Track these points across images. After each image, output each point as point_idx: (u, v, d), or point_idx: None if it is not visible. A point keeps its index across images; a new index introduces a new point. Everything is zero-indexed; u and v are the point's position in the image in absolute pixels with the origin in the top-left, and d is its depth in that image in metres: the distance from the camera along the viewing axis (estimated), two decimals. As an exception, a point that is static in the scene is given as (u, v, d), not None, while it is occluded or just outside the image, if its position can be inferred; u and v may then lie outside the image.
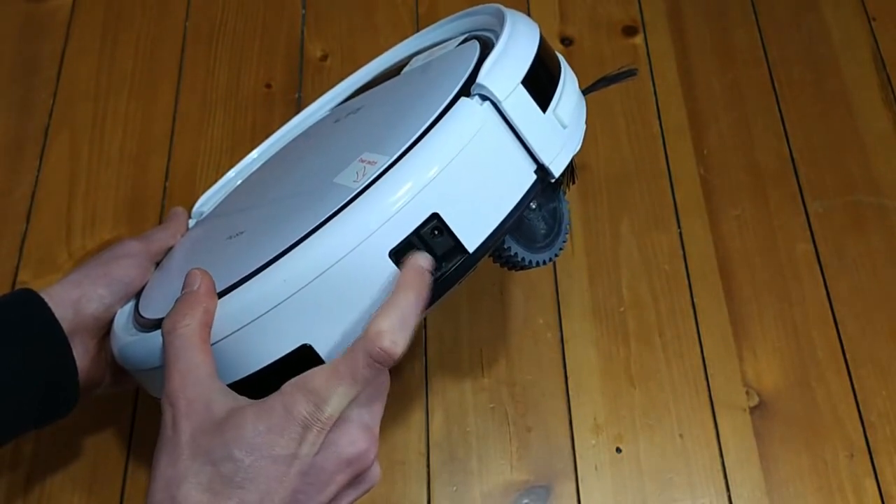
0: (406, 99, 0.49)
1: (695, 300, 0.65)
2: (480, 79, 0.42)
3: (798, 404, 0.61)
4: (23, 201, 0.67)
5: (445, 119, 0.41)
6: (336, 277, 0.39)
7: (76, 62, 0.74)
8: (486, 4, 0.52)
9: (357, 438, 0.38)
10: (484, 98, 0.42)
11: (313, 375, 0.38)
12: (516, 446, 0.59)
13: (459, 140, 0.40)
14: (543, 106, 0.43)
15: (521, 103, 0.42)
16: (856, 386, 0.62)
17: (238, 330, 0.40)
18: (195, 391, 0.39)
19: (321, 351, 0.40)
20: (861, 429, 0.60)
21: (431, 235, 0.40)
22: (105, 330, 0.49)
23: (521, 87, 0.42)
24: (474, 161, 0.40)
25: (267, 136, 0.61)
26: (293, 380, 0.39)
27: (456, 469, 0.58)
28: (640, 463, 0.58)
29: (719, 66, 0.75)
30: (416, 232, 0.39)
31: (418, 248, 0.40)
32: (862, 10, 0.79)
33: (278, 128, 0.62)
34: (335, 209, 0.40)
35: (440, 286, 0.40)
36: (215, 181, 0.60)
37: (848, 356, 0.63)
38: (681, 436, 0.59)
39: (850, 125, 0.73)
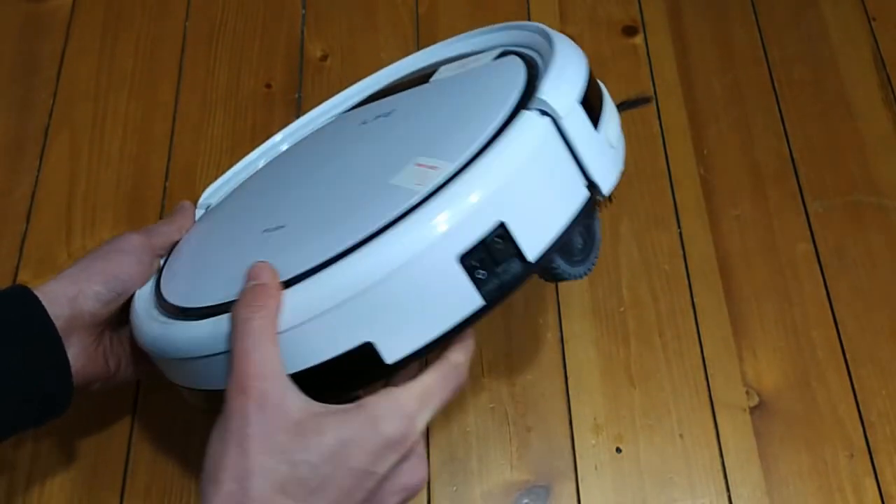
0: (452, 106, 0.49)
1: (695, 300, 0.65)
2: (542, 94, 0.43)
3: (798, 404, 0.61)
4: (23, 201, 0.67)
5: (511, 131, 0.42)
6: (404, 278, 0.39)
7: (76, 62, 0.74)
8: (525, 22, 0.53)
9: (419, 469, 0.39)
10: (543, 113, 0.43)
11: (406, 396, 0.39)
12: (516, 446, 0.59)
13: (524, 152, 0.41)
14: (595, 125, 0.44)
15: (578, 121, 0.43)
16: (856, 386, 0.62)
17: (301, 324, 0.40)
18: (269, 384, 0.38)
19: (382, 350, 0.40)
20: (861, 428, 0.60)
21: (495, 243, 0.40)
22: (102, 326, 0.49)
23: (579, 106, 0.43)
24: (536, 174, 0.41)
25: (268, 136, 0.61)
26: (381, 396, 0.39)
27: (456, 469, 0.58)
28: (640, 463, 0.58)
29: (719, 66, 0.75)
30: (484, 239, 0.40)
31: (484, 257, 0.40)
32: (862, 9, 0.79)
33: (281, 127, 0.62)
34: (403, 211, 0.40)
35: (497, 294, 0.41)
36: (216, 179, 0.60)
37: (848, 356, 0.63)
38: (681, 436, 0.59)
39: (850, 125, 0.73)
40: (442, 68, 0.55)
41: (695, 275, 0.66)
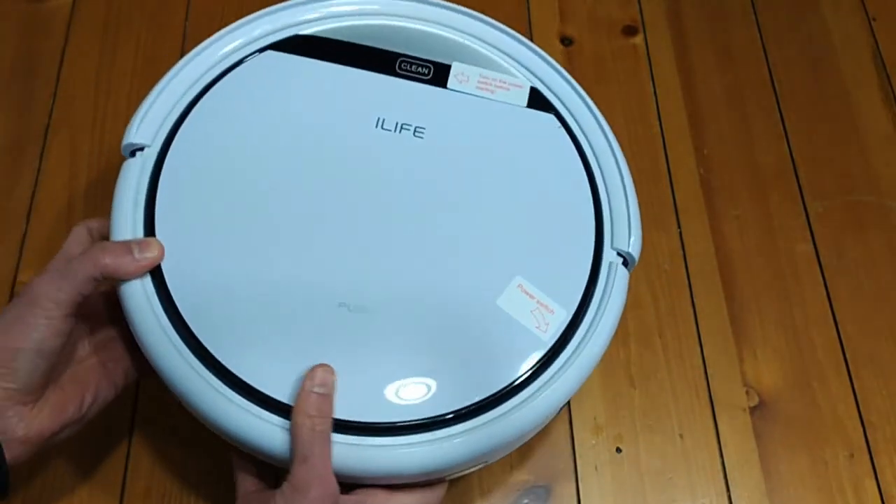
0: (514, 184, 0.50)
1: (695, 300, 0.65)
2: (631, 248, 0.48)
3: (798, 404, 0.61)
4: (23, 201, 0.67)
5: (613, 294, 0.47)
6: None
7: (76, 62, 0.73)
8: (567, 74, 0.54)
9: None
10: (620, 256, 0.49)
11: None
12: (516, 446, 0.59)
13: (620, 311, 0.47)
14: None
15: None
16: (856, 386, 0.62)
17: (417, 474, 0.43)
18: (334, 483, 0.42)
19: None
20: (861, 429, 0.60)
21: None
22: (37, 392, 0.43)
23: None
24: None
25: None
26: (383, 500, 0.44)
27: (456, 469, 0.58)
28: (640, 463, 0.58)
29: (719, 66, 0.75)
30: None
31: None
32: (862, 10, 0.79)
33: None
34: (537, 365, 0.45)
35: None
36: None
37: (848, 356, 0.63)
38: (681, 436, 0.59)
39: (850, 125, 0.73)
40: (456, 66, 0.53)
41: (695, 275, 0.66)
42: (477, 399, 0.43)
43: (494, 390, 0.44)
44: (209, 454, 0.57)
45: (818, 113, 0.74)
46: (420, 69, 0.53)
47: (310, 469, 0.41)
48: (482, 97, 0.52)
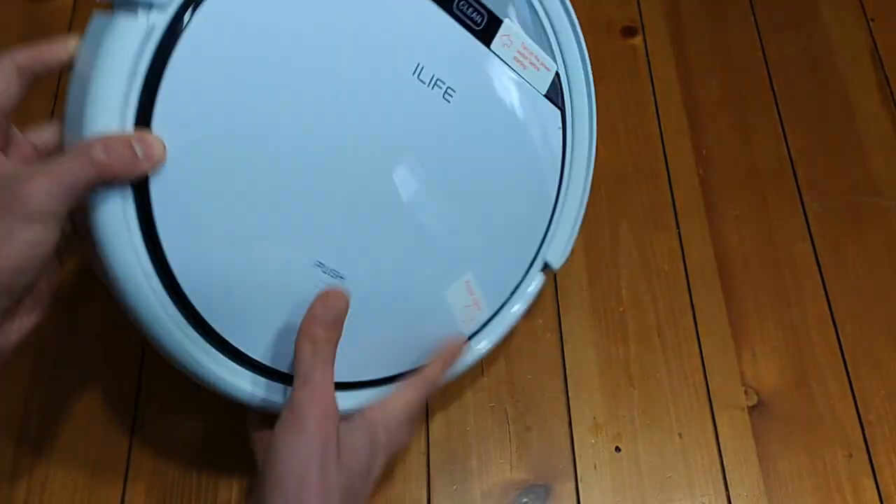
0: (503, 174, 0.51)
1: (694, 300, 0.65)
2: (555, 260, 0.55)
3: (797, 404, 0.61)
4: (24, 202, 0.67)
5: (525, 299, 0.54)
6: None
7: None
8: (590, 69, 0.53)
9: None
10: (544, 266, 0.54)
11: (399, 409, 0.46)
12: (516, 446, 0.59)
13: (518, 319, 0.54)
14: None
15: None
16: (854, 385, 0.62)
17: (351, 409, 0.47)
18: (335, 408, 0.43)
19: None
20: (860, 428, 0.60)
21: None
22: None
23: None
24: None
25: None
26: (382, 410, 0.46)
27: (456, 468, 0.58)
28: (639, 462, 0.58)
29: (718, 67, 0.76)
30: None
31: None
32: (860, 10, 0.79)
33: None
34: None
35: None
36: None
37: (846, 356, 0.63)
38: (680, 435, 0.60)
39: (849, 125, 0.73)
40: (506, 25, 0.49)
41: (694, 275, 0.66)
42: (393, 373, 0.49)
43: (405, 369, 0.49)
44: (211, 452, 0.57)
45: (817, 113, 0.74)
46: (476, 16, 0.47)
47: (311, 391, 0.40)
48: (514, 70, 0.50)
